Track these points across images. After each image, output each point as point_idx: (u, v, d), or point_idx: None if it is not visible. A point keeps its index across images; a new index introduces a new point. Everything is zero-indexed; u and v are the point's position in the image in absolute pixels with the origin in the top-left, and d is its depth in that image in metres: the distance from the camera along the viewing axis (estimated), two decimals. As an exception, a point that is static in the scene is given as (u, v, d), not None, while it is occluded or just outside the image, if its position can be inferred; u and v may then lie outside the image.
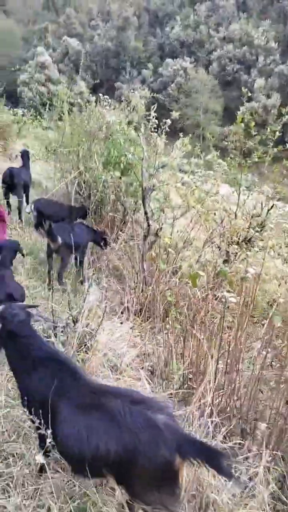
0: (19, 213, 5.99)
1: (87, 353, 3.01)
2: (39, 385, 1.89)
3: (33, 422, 1.81)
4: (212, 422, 2.60)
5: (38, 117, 10.30)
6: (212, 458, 1.62)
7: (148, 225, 5.69)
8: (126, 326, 3.88)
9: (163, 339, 3.66)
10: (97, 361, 3.00)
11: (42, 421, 1.79)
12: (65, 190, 7.33)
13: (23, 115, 11.56)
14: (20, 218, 5.94)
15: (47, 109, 8.93)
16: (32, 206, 5.60)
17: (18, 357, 2.02)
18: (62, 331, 3.05)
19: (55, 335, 2.98)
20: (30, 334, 2.07)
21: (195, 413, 2.61)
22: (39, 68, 45.62)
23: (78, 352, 2.98)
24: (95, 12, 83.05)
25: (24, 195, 6.31)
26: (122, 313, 4.82)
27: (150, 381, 3.24)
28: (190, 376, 3.21)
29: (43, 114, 9.69)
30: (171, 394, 3.12)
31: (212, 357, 2.91)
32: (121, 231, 6.45)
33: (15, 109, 12.11)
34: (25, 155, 6.70)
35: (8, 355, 2.07)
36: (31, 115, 12.85)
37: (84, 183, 6.88)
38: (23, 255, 4.06)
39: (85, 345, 3.09)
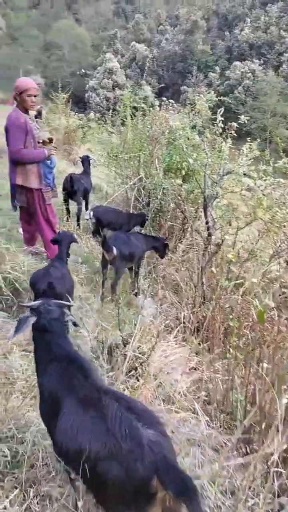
0: (78, 219, 5.91)
1: (138, 380, 2.74)
2: (51, 380, 1.88)
3: (69, 473, 1.60)
4: (278, 473, 2.23)
5: (103, 122, 10.28)
6: (186, 493, 1.47)
7: (209, 235, 5.36)
8: (182, 348, 3.56)
9: (222, 365, 3.32)
10: (148, 390, 2.72)
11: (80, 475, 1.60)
12: (125, 196, 7.18)
13: (88, 120, 11.65)
14: (78, 224, 5.84)
15: (110, 114, 8.89)
16: (91, 213, 5.47)
17: (42, 352, 2.03)
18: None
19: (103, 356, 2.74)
20: (58, 332, 2.06)
21: (257, 463, 2.24)
22: (107, 74, 46.61)
23: (128, 378, 2.72)
24: (163, 17, 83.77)
25: (83, 201, 6.22)
26: (178, 330, 4.55)
27: (205, 415, 2.91)
28: (251, 408, 2.85)
29: (108, 119, 9.65)
30: (228, 432, 2.78)
31: (280, 392, 2.53)
32: (179, 240, 6.17)
33: (80, 114, 12.27)
34: (85, 161, 6.62)
35: (35, 349, 2.09)
36: (96, 120, 12.94)
37: (143, 189, 6.69)
38: (76, 242, 3.99)
39: (135, 369, 2.83)
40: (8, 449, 2.08)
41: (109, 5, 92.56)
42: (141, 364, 2.78)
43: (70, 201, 5.98)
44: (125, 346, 2.81)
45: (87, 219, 5.71)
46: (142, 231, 5.58)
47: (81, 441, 1.61)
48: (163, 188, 6.10)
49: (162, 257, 5.12)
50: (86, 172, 6.55)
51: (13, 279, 3.49)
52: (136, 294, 4.61)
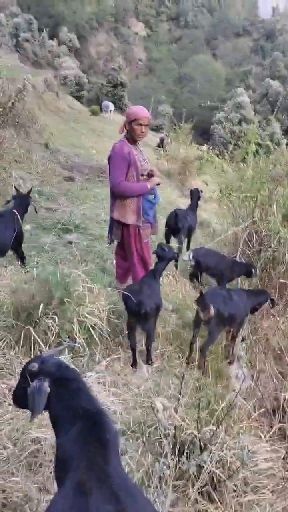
0: (176, 259, 5.35)
1: (211, 500, 2.06)
2: (67, 443, 1.48)
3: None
4: None
5: (224, 155, 9.77)
6: None
7: None
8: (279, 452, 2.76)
9: None
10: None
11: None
12: (234, 238, 6.51)
13: (207, 152, 11.26)
14: (175, 265, 5.29)
15: (231, 149, 8.33)
16: (191, 255, 4.93)
17: (64, 405, 1.60)
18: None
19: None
20: (77, 378, 1.73)
21: None
22: (235, 108, 46.49)
23: (200, 497, 2.04)
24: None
25: (185, 240, 5.68)
26: (274, 412, 3.76)
27: None
28: None
29: (229, 152, 9.10)
30: None
31: None
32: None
33: (200, 146, 11.96)
34: (195, 195, 6.10)
35: (53, 407, 1.63)
36: (217, 153, 12.50)
37: (256, 234, 5.96)
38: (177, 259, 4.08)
39: (212, 483, 2.14)
40: None
41: (247, 42, 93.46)
42: (219, 483, 2.09)
43: (172, 238, 5.51)
44: (202, 451, 2.14)
45: (186, 260, 5.17)
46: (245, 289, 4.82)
47: None
48: (280, 237, 5.33)
49: (252, 313, 4.29)
50: (192, 207, 6.01)
51: (89, 325, 3.06)
52: (230, 363, 3.89)
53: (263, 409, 3.25)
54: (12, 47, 46.33)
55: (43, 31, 49.76)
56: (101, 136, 15.36)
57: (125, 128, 3.73)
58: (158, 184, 3.88)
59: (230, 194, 6.27)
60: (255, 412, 3.44)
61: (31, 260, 4.45)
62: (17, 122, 8.98)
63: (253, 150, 6.33)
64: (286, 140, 6.83)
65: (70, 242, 5.41)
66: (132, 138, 3.73)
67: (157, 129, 41.85)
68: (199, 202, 6.40)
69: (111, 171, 3.68)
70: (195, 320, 3.60)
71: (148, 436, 2.37)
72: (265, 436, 2.89)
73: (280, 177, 6.16)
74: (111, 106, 23.83)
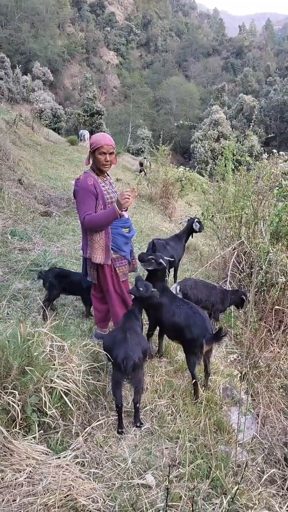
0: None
1: None
2: None
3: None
4: None
5: (204, 173, 9.47)
6: None
7: None
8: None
9: None
10: None
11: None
12: (222, 262, 6.13)
13: (183, 173, 10.98)
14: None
15: (209, 168, 8.06)
16: (177, 288, 4.52)
17: None
18: None
19: None
20: None
21: None
22: (212, 125, 46.99)
23: None
24: (273, 69, 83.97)
25: (171, 271, 5.23)
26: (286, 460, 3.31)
27: None
28: None
29: (208, 171, 8.84)
30: None
31: None
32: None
33: (181, 166, 11.67)
34: (188, 224, 5.61)
35: None
36: (196, 171, 12.27)
37: (244, 255, 5.59)
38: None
39: None
40: None
41: (218, 61, 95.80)
42: None
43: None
44: None
45: (173, 294, 4.75)
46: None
47: None
48: (269, 257, 4.97)
49: None
50: (180, 236, 5.56)
51: (61, 391, 2.60)
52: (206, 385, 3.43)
53: (273, 470, 2.78)
54: (-13, 86, 46.77)
55: (16, 67, 50.25)
56: (79, 166, 15.07)
57: (90, 159, 3.42)
58: (125, 210, 3.46)
59: (212, 216, 5.92)
60: (264, 466, 3.00)
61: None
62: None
63: (231, 167, 6.02)
64: (266, 154, 6.50)
65: (46, 285, 4.97)
66: (98, 168, 3.41)
67: (138, 152, 42.03)
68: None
69: (78, 207, 3.33)
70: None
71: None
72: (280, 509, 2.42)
73: (264, 193, 5.82)
74: (87, 134, 23.70)
